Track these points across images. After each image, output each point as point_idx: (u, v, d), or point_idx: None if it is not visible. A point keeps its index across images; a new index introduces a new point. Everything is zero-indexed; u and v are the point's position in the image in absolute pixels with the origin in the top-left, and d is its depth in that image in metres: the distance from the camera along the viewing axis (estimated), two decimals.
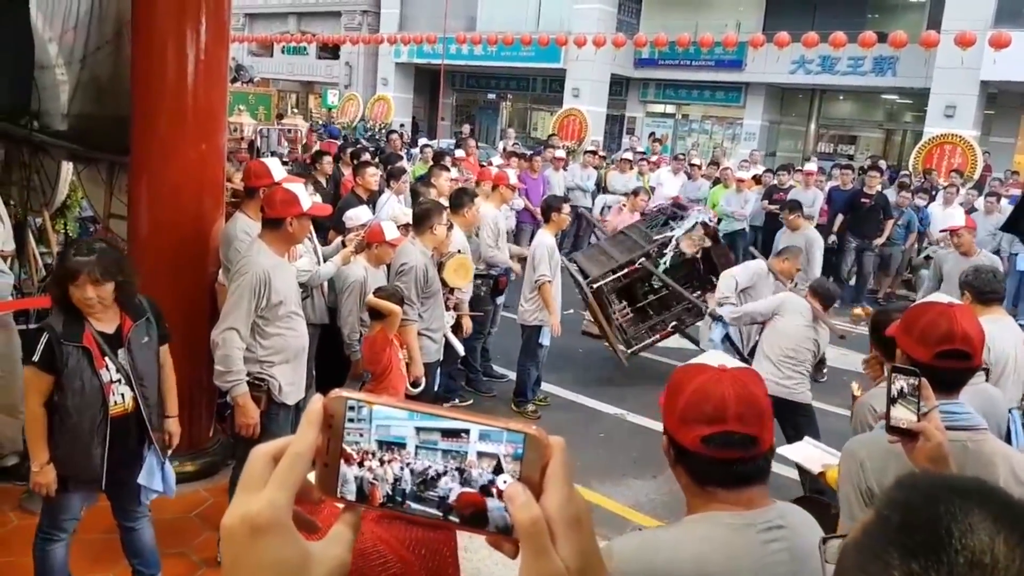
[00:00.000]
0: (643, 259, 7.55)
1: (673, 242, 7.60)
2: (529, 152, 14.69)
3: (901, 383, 1.85)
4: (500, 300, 7.37)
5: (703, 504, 1.65)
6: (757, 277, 6.52)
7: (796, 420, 5.15)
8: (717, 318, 6.49)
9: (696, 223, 7.70)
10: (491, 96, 29.50)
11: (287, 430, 4.30)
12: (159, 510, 4.55)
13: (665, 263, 7.57)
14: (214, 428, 5.32)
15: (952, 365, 2.20)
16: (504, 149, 16.79)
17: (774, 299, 5.72)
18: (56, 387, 3.35)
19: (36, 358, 3.29)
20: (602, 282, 7.44)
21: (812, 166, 13.26)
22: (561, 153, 14.02)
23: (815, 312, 5.42)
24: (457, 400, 6.76)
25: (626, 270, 7.52)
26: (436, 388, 6.02)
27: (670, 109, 25.59)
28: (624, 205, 10.52)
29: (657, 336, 7.63)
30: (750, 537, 1.60)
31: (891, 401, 1.85)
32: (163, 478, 3.70)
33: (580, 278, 7.54)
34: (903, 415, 1.84)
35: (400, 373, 4.97)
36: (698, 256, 7.76)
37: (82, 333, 3.35)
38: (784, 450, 4.01)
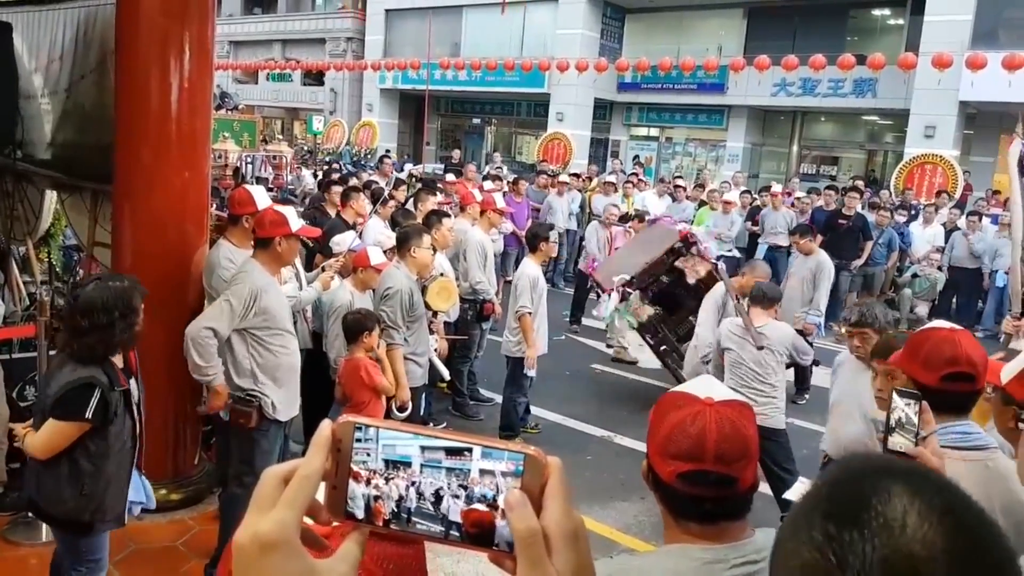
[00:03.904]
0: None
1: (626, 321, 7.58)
2: (513, 176, 14.79)
3: (901, 411, 1.87)
4: (486, 325, 7.37)
5: (677, 534, 1.61)
6: (723, 305, 6.28)
7: (765, 445, 5.00)
8: None
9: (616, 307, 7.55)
10: (476, 121, 29.63)
11: (278, 445, 4.40)
12: (145, 539, 4.53)
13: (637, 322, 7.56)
14: (199, 456, 5.29)
15: (958, 388, 2.27)
16: (488, 173, 16.90)
17: (713, 342, 5.59)
18: (98, 437, 3.28)
19: (90, 415, 3.18)
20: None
21: (778, 188, 13.35)
22: (565, 178, 14.12)
23: (744, 323, 5.33)
24: (432, 423, 6.70)
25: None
26: (422, 412, 6.01)
27: (654, 132, 25.75)
28: (630, 230, 10.27)
29: None
30: (721, 573, 1.55)
31: (889, 429, 1.88)
32: (143, 489, 3.69)
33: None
34: (901, 441, 1.86)
35: (378, 399, 4.99)
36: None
37: (118, 376, 3.32)
38: (789, 495, 3.97)
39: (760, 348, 5.16)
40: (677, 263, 7.60)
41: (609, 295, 7.53)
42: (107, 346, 3.27)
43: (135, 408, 3.45)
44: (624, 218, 10.78)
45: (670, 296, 8.11)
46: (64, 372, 3.23)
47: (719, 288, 6.40)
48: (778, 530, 0.83)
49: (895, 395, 1.89)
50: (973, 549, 0.71)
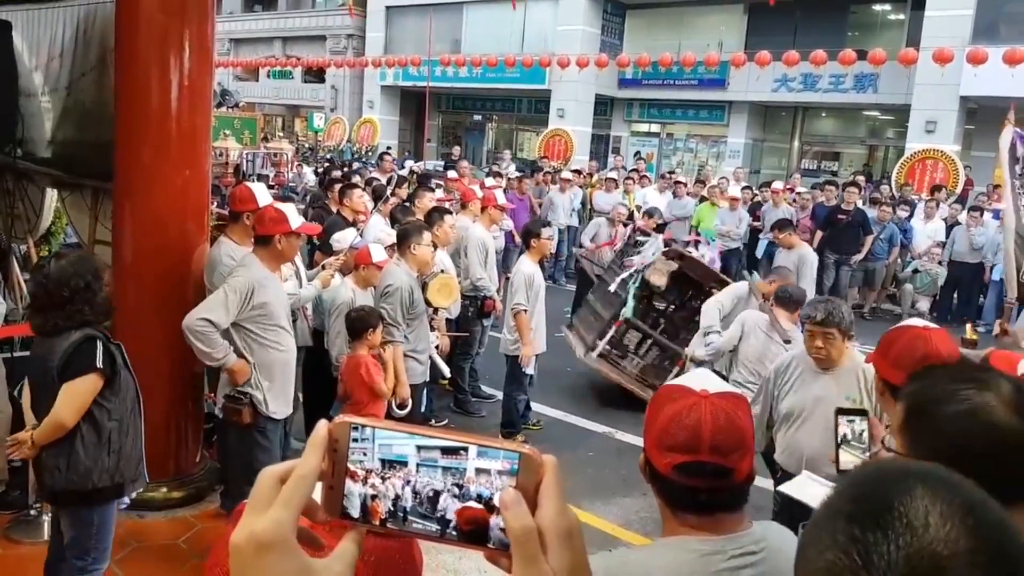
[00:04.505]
0: (624, 309, 7.52)
1: (635, 279, 7.56)
2: (517, 173, 14.80)
3: (845, 428, 1.87)
4: (487, 322, 7.36)
5: (675, 527, 1.62)
6: (740, 300, 6.27)
7: None
8: (699, 363, 6.02)
9: (654, 253, 7.57)
10: (477, 117, 29.60)
11: (278, 442, 4.44)
12: (146, 537, 4.54)
13: (632, 305, 7.51)
14: (201, 454, 5.29)
15: None
16: (492, 170, 16.90)
17: (734, 326, 5.57)
18: (110, 392, 3.34)
19: (100, 364, 3.26)
20: (600, 348, 7.44)
21: (779, 185, 13.36)
22: (567, 174, 14.11)
23: (771, 320, 5.32)
24: (433, 420, 6.69)
25: (613, 327, 7.49)
26: (423, 409, 6.00)
27: (655, 128, 25.72)
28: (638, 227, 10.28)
29: (677, 368, 7.20)
30: (719, 564, 1.56)
31: (838, 445, 1.87)
32: None
33: (581, 352, 7.59)
34: (849, 458, 1.86)
35: (378, 397, 5.00)
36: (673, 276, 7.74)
37: (107, 334, 3.41)
38: (786, 488, 3.94)
39: (788, 342, 5.14)
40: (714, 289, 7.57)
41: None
42: (92, 307, 3.33)
43: (130, 367, 3.51)
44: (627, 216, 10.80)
45: (670, 318, 8.24)
46: (59, 343, 3.27)
47: (743, 285, 6.44)
48: (799, 537, 0.84)
49: (839, 415, 1.89)
50: (994, 546, 0.72)
